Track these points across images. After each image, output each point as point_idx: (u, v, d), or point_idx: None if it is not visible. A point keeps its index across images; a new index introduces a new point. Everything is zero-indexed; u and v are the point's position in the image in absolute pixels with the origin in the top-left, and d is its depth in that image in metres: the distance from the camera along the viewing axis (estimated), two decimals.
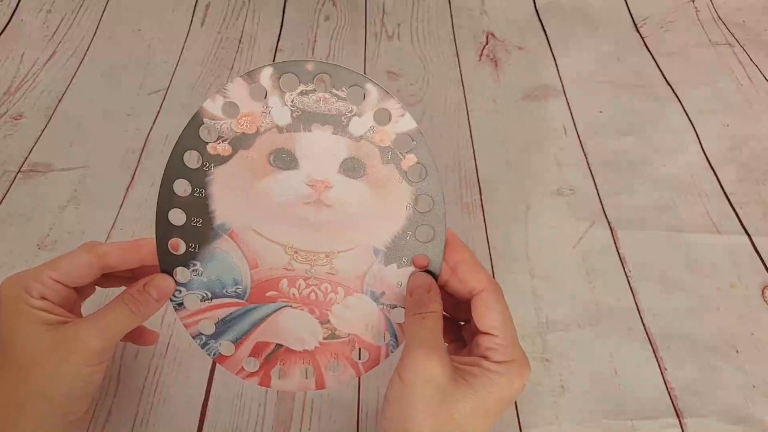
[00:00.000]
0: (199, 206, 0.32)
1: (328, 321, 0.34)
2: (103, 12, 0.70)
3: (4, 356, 0.29)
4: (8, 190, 0.51)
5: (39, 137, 0.56)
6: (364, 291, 0.33)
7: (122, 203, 0.50)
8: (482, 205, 0.52)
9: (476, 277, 0.31)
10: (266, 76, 0.30)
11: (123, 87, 0.61)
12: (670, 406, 0.40)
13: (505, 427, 0.39)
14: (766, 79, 0.64)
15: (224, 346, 0.34)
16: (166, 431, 0.38)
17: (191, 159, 0.32)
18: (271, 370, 0.34)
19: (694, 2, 0.75)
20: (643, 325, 0.44)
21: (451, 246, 0.32)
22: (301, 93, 0.31)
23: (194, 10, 0.71)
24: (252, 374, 0.35)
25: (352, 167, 0.31)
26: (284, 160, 0.32)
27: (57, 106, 0.59)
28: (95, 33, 0.68)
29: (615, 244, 0.49)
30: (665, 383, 0.41)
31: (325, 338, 0.34)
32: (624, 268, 0.47)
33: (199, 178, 0.32)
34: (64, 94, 0.60)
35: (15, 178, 0.52)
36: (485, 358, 0.29)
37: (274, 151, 0.32)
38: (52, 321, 0.29)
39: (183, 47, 0.66)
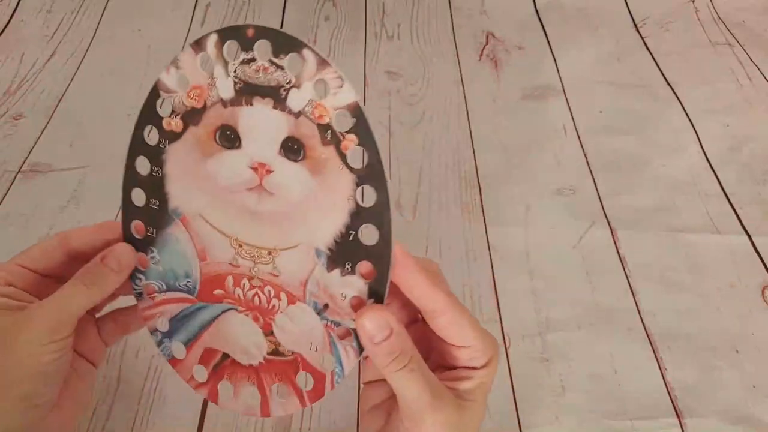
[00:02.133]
0: (156, 186, 0.29)
1: (272, 332, 0.29)
2: (103, 12, 0.70)
3: None
4: (8, 190, 0.51)
5: (39, 137, 0.56)
6: (307, 301, 0.28)
7: None
8: (482, 205, 0.52)
9: (435, 299, 0.27)
10: (212, 43, 0.27)
11: (123, 87, 0.61)
12: (670, 406, 0.40)
13: (505, 427, 0.39)
14: (766, 79, 0.64)
15: (176, 347, 0.31)
16: (166, 431, 0.38)
17: (150, 135, 0.29)
18: (219, 384, 0.30)
19: (694, 2, 0.75)
20: (643, 325, 0.44)
21: (402, 267, 0.27)
22: (243, 62, 0.27)
23: (194, 10, 0.71)
24: (201, 385, 0.31)
25: (291, 148, 0.27)
26: (228, 137, 0.28)
27: (57, 106, 0.59)
28: (95, 33, 0.68)
29: (615, 244, 0.49)
30: (665, 383, 0.41)
31: (269, 353, 0.29)
32: (624, 268, 0.47)
33: (156, 156, 0.29)
34: (64, 94, 0.60)
35: (15, 178, 0.52)
36: (471, 368, 0.29)
37: (219, 127, 0.28)
38: (13, 306, 0.29)
39: (183, 47, 0.66)
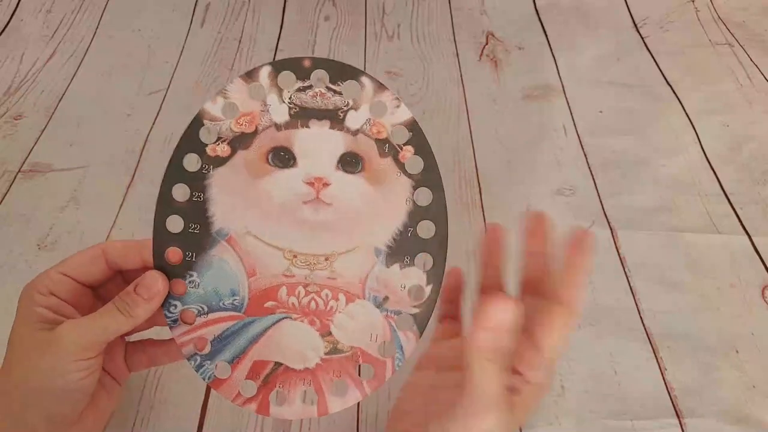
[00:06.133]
0: (197, 211, 0.31)
1: (330, 333, 0.31)
2: (103, 12, 0.70)
3: (3, 359, 0.30)
4: (8, 190, 0.51)
5: (39, 137, 0.56)
6: (367, 297, 0.31)
7: (122, 203, 0.50)
8: (482, 205, 0.52)
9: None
10: (264, 74, 0.30)
11: (123, 87, 0.61)
12: (670, 406, 0.40)
13: None
14: (766, 79, 0.64)
15: (220, 367, 0.31)
16: (166, 431, 0.38)
17: (190, 162, 0.31)
18: (270, 395, 0.31)
19: (694, 2, 0.75)
20: (643, 325, 0.44)
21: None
22: (299, 89, 0.31)
23: (194, 10, 0.71)
24: (249, 400, 0.31)
25: (350, 162, 0.31)
26: (282, 158, 0.31)
27: (57, 106, 0.59)
28: (95, 33, 0.68)
29: (615, 244, 0.49)
30: (665, 383, 0.41)
31: (326, 353, 0.31)
32: (624, 268, 0.47)
33: (198, 182, 0.31)
34: (64, 94, 0.60)
35: (15, 178, 0.52)
36: (526, 378, 0.29)
37: (273, 149, 0.31)
38: (50, 319, 0.29)
39: (183, 47, 0.66)
